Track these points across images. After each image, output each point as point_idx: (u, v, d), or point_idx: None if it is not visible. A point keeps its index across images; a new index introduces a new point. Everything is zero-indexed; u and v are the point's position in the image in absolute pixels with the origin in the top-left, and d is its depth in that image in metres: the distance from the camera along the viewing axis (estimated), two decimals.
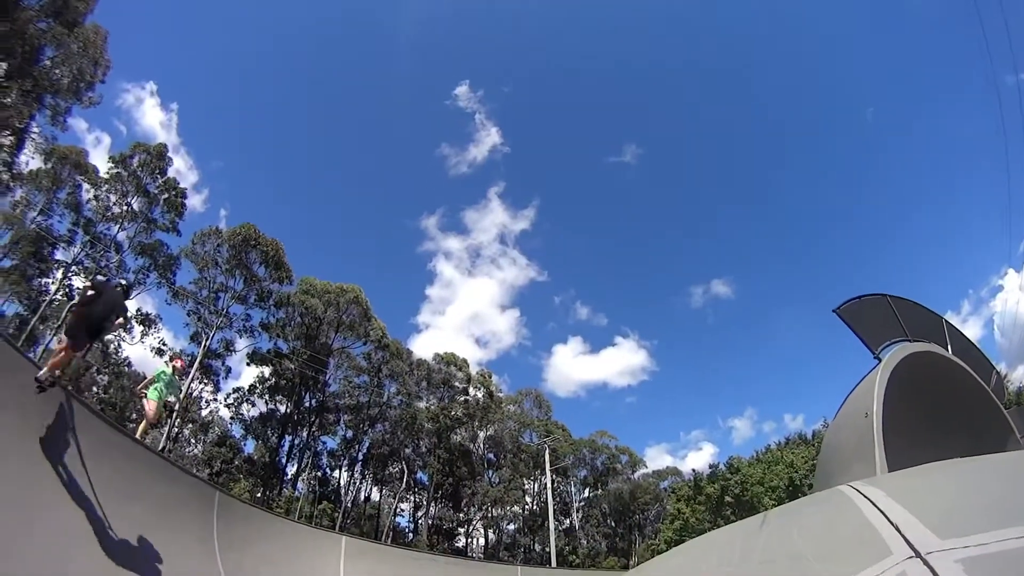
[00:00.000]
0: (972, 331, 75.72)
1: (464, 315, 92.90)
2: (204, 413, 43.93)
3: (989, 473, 2.15)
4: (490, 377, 56.66)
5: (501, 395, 57.85)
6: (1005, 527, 1.42)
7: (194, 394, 40.90)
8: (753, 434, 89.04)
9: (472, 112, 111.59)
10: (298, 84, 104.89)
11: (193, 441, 45.14)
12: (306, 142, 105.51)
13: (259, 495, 40.34)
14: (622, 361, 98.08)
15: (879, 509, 1.72)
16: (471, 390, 54.04)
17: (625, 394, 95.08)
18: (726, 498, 37.22)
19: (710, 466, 44.11)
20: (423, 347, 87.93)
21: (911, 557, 1.37)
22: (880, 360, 11.45)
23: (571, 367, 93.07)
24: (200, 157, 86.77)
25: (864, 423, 10.16)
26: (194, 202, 65.34)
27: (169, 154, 39.54)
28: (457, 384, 53.19)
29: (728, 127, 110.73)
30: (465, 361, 54.56)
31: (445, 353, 54.03)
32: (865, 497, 2.02)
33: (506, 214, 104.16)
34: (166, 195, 39.58)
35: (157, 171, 39.09)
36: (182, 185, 41.14)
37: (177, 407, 30.32)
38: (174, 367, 10.32)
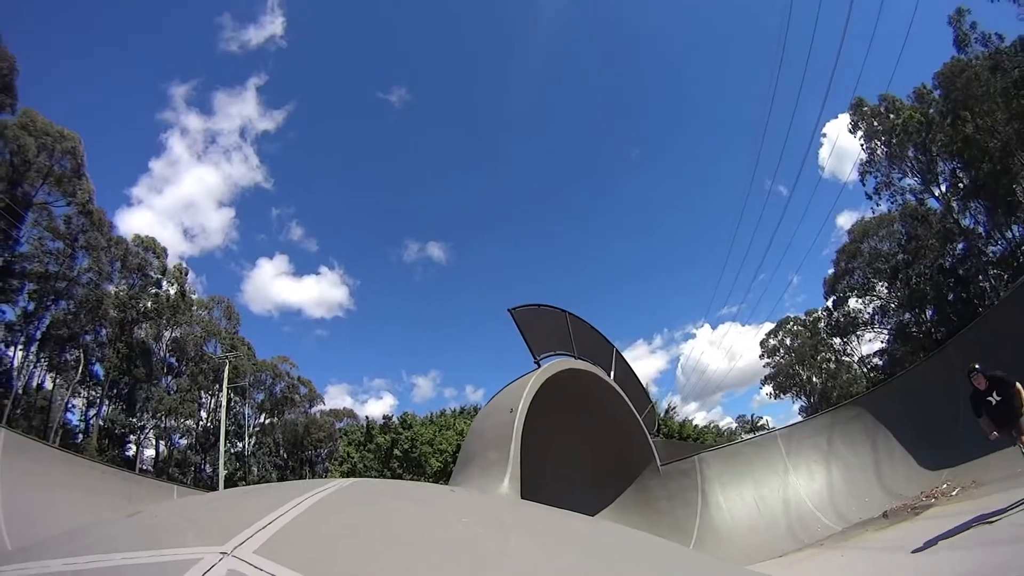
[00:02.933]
0: (657, 363, 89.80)
1: (180, 200, 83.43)
2: None
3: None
4: (186, 274, 51.66)
5: (194, 296, 53.55)
6: None
7: None
8: (434, 395, 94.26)
9: None
10: None
11: None
12: None
13: None
14: (322, 292, 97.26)
15: None
16: (165, 284, 48.96)
17: (317, 326, 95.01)
18: (395, 451, 38.59)
19: (384, 416, 45.37)
20: (128, 222, 77.66)
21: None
22: (539, 366, 12.50)
23: (271, 285, 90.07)
24: None
25: (508, 417, 10.90)
26: None
27: None
28: (152, 274, 47.65)
29: (492, 93, 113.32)
30: (164, 250, 49.01)
31: (146, 237, 47.91)
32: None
33: (257, 109, 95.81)
34: None
35: None
36: None
37: None
38: None
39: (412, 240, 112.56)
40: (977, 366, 8.41)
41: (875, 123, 39.71)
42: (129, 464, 44.77)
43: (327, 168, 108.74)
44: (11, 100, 36.40)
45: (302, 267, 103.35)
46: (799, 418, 54.51)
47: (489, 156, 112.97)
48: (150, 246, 47.79)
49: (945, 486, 10.44)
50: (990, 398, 8.30)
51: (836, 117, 53.04)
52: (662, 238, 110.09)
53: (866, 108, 39.92)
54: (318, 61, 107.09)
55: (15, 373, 40.58)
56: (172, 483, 29.48)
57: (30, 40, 68.50)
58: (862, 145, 40.57)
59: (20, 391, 40.52)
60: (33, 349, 42.14)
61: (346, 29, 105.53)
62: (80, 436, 44.53)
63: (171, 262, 50.32)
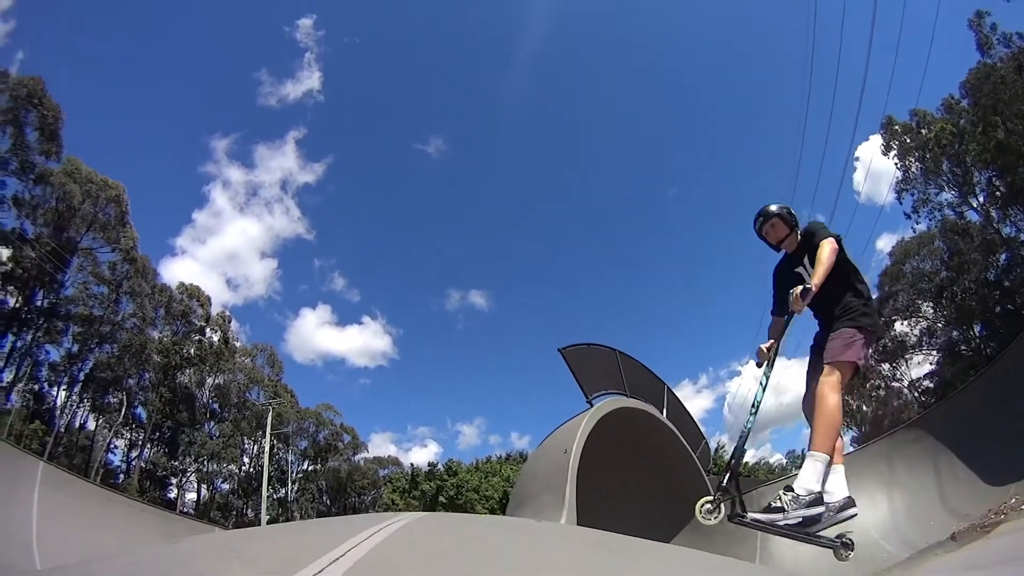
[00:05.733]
0: (703, 402, 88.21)
1: (223, 251, 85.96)
2: None
3: None
4: (229, 322, 53.11)
5: (237, 344, 54.57)
6: None
7: None
8: (479, 443, 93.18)
9: (305, 49, 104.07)
10: None
11: None
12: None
13: None
14: (365, 341, 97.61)
15: None
16: (208, 331, 50.22)
17: (361, 375, 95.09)
18: (440, 498, 38.26)
19: (429, 464, 45.06)
20: (172, 271, 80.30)
21: None
22: (591, 405, 12.41)
23: (314, 334, 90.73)
24: None
25: (562, 458, 10.81)
26: None
27: None
28: (195, 321, 48.98)
29: (535, 143, 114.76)
30: (208, 298, 50.43)
31: (190, 285, 49.45)
32: None
33: (297, 161, 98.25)
34: None
35: None
36: None
37: None
38: None
39: (454, 288, 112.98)
40: (773, 208, 4.63)
41: (907, 139, 39.11)
42: (170, 506, 45.09)
43: (368, 219, 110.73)
44: (57, 148, 38.03)
45: (345, 317, 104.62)
46: (851, 449, 52.94)
47: (529, 202, 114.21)
48: (194, 294, 49.13)
49: (1014, 500, 10.01)
50: (802, 268, 4.42)
51: (867, 139, 52.36)
52: (704, 277, 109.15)
53: (896, 126, 39.39)
54: (355, 114, 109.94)
55: (57, 412, 41.54)
56: (213, 525, 29.77)
57: (77, 93, 71.31)
58: (896, 164, 39.93)
59: (62, 429, 41.27)
60: (76, 390, 42.95)
61: (381, 83, 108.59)
62: (121, 476, 45.35)
63: (214, 310, 51.62)
